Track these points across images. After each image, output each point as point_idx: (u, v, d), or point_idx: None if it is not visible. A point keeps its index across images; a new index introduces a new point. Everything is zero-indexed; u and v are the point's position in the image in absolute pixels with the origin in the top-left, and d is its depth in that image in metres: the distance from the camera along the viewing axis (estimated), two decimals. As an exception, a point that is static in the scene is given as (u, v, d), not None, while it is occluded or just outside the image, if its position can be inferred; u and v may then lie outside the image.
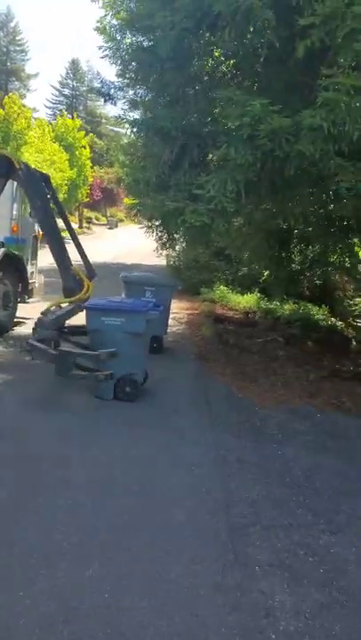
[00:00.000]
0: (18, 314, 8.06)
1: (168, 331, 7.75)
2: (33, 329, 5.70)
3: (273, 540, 3.01)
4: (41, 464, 3.70)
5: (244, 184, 4.63)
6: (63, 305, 6.14)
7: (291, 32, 4.11)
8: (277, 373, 6.56)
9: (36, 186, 6.61)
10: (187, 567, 2.69)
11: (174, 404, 5.22)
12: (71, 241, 7.23)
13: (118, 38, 7.54)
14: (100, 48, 7.45)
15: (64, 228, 7.49)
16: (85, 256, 7.14)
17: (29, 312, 8.67)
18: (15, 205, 7.68)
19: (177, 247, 14.37)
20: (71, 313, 6.03)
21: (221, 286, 12.42)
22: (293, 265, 10.10)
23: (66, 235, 7.39)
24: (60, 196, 27.70)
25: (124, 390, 5.10)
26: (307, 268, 10.14)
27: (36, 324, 5.67)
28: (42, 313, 5.80)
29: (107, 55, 7.54)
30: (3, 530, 2.91)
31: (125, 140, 12.65)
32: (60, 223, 7.28)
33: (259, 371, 6.63)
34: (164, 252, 14.97)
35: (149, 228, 11.91)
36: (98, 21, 7.88)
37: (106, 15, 7.65)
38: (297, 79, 4.82)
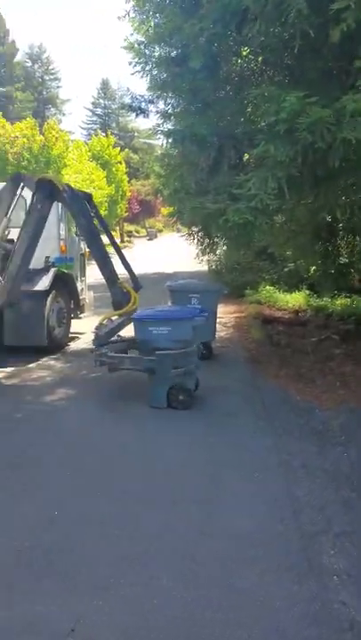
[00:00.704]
0: (72, 329, 8.27)
1: (216, 336, 7.68)
2: (94, 343, 5.80)
3: (348, 547, 2.86)
4: (101, 475, 3.73)
5: (286, 180, 4.52)
6: (114, 318, 6.23)
7: (324, 18, 3.97)
8: (335, 373, 6.33)
9: (80, 205, 6.76)
10: (260, 577, 2.60)
11: (230, 410, 5.14)
12: (116, 255, 7.35)
13: (147, 53, 7.62)
14: (130, 64, 7.56)
15: (108, 242, 7.62)
16: (130, 268, 7.24)
17: (82, 327, 8.87)
18: (62, 226, 7.90)
19: (218, 251, 14.27)
20: (122, 325, 6.11)
21: (267, 286, 12.18)
22: (341, 258, 9.78)
23: (111, 249, 7.52)
24: (101, 213, 28.31)
25: (177, 398, 5.09)
26: (356, 259, 9.79)
27: (94, 338, 5.79)
28: (96, 328, 5.91)
29: (137, 71, 7.63)
30: (68, 539, 2.94)
31: (160, 151, 12.78)
32: (105, 239, 7.41)
33: (315, 371, 6.42)
34: (205, 258, 14.92)
35: (190, 235, 11.92)
36: (125, 39, 8.01)
37: (133, 33, 7.76)
38: (332, 65, 4.67)
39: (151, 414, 5.01)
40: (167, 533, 2.98)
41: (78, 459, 4.04)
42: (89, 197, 7.30)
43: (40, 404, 5.37)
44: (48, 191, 6.49)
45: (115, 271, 6.75)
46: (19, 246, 6.37)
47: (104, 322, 6.07)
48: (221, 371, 6.62)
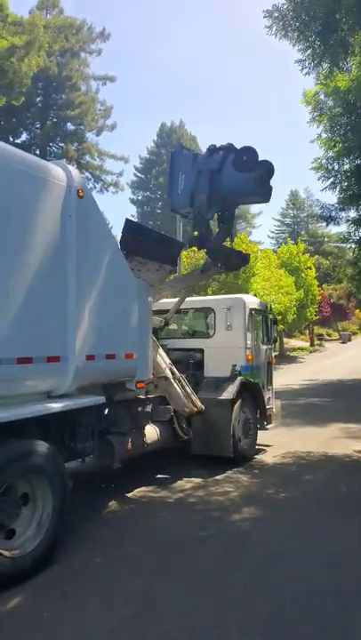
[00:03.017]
0: (258, 441, 8.02)
1: None
2: None
3: None
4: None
5: None
6: None
7: None
8: None
9: None
10: None
11: None
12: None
13: (336, 167, 7.91)
14: (319, 179, 7.91)
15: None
16: None
17: (269, 439, 8.56)
18: (249, 334, 8.04)
19: None
20: None
21: None
22: None
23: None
24: (290, 317, 28.54)
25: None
26: None
27: None
28: None
29: (326, 187, 7.94)
30: None
31: (353, 254, 12.63)
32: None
33: None
34: None
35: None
36: (313, 162, 8.53)
37: (324, 153, 8.22)
38: None
39: (352, 545, 4.32)
40: None
41: (269, 596, 3.60)
42: None
43: (225, 523, 5.12)
44: None
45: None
46: None
47: None
48: None
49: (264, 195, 6.05)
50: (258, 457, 7.83)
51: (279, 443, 8.64)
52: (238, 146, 6.04)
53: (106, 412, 5.40)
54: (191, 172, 5.77)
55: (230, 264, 7.15)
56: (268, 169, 5.85)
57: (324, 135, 8.73)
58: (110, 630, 3.19)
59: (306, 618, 3.33)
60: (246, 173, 5.62)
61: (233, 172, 5.65)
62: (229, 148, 5.86)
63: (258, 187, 5.67)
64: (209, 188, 5.62)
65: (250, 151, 5.61)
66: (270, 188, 6.06)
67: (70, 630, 3.21)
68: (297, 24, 7.06)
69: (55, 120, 32.35)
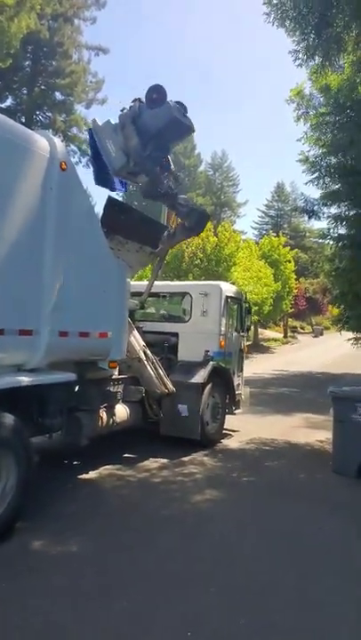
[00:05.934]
0: (225, 426, 8.17)
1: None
2: None
3: None
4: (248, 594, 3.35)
5: None
6: None
7: None
8: None
9: None
10: None
11: None
12: None
13: (322, 164, 7.97)
14: (303, 172, 7.96)
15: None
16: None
17: (235, 424, 8.73)
18: (223, 321, 8.13)
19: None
20: None
21: None
22: None
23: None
24: (266, 308, 28.83)
25: None
26: None
27: None
28: None
29: (310, 181, 8.00)
30: None
31: (330, 250, 12.86)
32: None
33: None
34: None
35: (357, 340, 11.33)
36: (300, 154, 8.57)
37: (310, 148, 8.25)
38: None
39: (310, 529, 4.49)
40: None
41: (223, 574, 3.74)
42: None
43: (187, 503, 5.24)
44: None
45: None
46: None
47: None
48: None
49: (186, 124, 6.17)
50: (224, 441, 7.98)
51: (246, 429, 8.82)
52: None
53: (76, 389, 5.40)
54: (115, 134, 5.92)
55: (191, 217, 7.02)
56: (179, 103, 6.06)
57: (310, 133, 8.79)
58: (76, 604, 3.25)
59: (250, 577, 3.48)
60: (159, 108, 5.85)
61: (150, 111, 5.87)
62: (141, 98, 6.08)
63: (176, 115, 5.85)
64: (136, 132, 5.83)
65: (158, 89, 5.81)
66: (189, 119, 6.27)
67: (35, 602, 3.26)
68: (294, 14, 7.02)
69: (43, 87, 31.29)
